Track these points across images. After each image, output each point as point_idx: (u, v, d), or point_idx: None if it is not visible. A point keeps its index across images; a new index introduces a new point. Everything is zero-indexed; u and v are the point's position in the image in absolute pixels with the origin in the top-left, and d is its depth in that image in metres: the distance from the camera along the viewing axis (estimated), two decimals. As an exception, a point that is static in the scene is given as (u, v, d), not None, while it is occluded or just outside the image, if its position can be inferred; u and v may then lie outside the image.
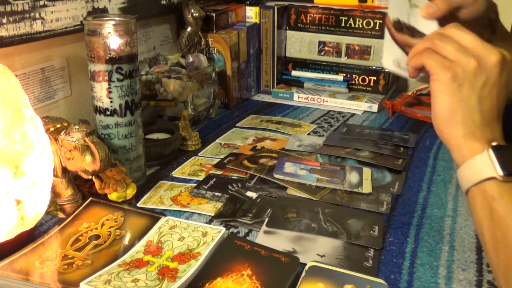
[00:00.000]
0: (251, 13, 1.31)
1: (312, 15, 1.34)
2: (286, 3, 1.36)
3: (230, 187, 0.82)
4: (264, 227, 0.71)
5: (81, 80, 0.95)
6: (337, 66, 1.35)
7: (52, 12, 0.83)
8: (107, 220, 0.70)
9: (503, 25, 0.75)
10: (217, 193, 0.80)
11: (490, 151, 0.51)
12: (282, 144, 1.00)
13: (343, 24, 1.31)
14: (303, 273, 0.58)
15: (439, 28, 0.60)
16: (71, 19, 0.87)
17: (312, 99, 1.28)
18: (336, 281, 0.57)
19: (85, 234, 0.67)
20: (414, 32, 0.63)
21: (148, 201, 0.79)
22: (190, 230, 0.68)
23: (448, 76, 0.54)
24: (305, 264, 0.60)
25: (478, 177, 0.52)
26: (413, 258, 0.65)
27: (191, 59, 1.11)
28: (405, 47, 0.65)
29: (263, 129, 1.10)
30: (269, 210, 0.75)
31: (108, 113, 0.77)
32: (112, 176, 0.75)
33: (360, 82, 1.33)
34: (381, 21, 1.26)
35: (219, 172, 0.88)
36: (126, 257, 0.62)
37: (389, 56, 0.65)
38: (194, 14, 1.12)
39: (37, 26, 0.81)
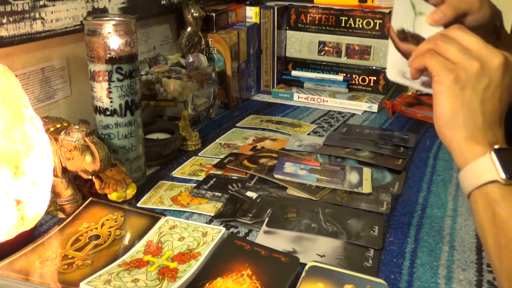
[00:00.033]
0: (251, 13, 1.31)
1: (312, 15, 1.34)
2: (286, 3, 1.36)
3: (230, 187, 0.82)
4: (264, 227, 0.71)
5: (81, 80, 0.95)
6: (337, 66, 1.35)
7: (52, 12, 0.83)
8: (107, 220, 0.70)
9: (507, 32, 0.75)
10: (217, 193, 0.80)
11: (493, 154, 0.51)
12: (282, 144, 1.00)
13: (343, 24, 1.31)
14: (303, 273, 0.58)
15: None
16: (71, 19, 0.87)
17: (312, 99, 1.28)
18: (336, 281, 0.57)
19: (85, 234, 0.67)
20: (419, 41, 0.62)
21: (148, 201, 0.79)
22: (190, 230, 0.68)
23: (450, 78, 0.53)
24: (305, 264, 0.60)
25: (480, 181, 0.51)
26: (413, 258, 0.65)
27: (191, 59, 1.11)
28: (410, 57, 0.64)
29: (263, 129, 1.10)
30: (269, 210, 0.75)
31: (108, 113, 0.77)
32: (112, 176, 0.75)
33: (360, 82, 1.33)
34: (381, 21, 1.26)
35: (219, 172, 0.88)
36: (126, 257, 0.62)
37: (394, 68, 0.65)
38: (194, 14, 1.12)
39: (37, 26, 0.81)
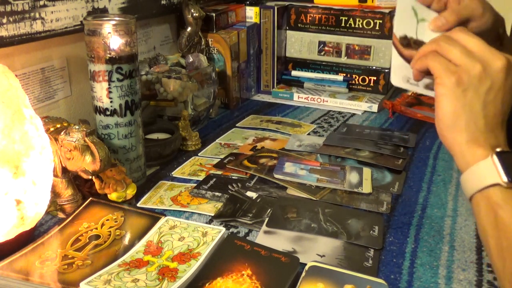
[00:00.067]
0: (251, 13, 1.31)
1: (312, 15, 1.34)
2: (286, 3, 1.36)
3: (230, 187, 0.82)
4: (264, 227, 0.71)
5: (81, 80, 0.95)
6: (337, 66, 1.34)
7: (52, 12, 0.83)
8: (107, 220, 0.70)
9: (510, 39, 0.75)
10: (217, 193, 0.80)
11: (494, 157, 0.50)
12: (282, 144, 1.00)
13: (343, 24, 1.31)
14: (303, 273, 0.58)
15: None
16: (71, 19, 0.87)
17: (312, 99, 1.28)
18: (336, 281, 0.57)
19: (85, 234, 0.67)
20: None
21: (148, 201, 0.79)
22: (190, 230, 0.68)
23: (452, 81, 0.53)
24: (305, 264, 0.60)
25: (482, 184, 0.51)
26: (413, 258, 0.65)
27: (191, 59, 1.11)
28: None
29: (263, 129, 1.10)
30: (269, 210, 0.75)
31: (108, 113, 0.77)
32: (112, 176, 0.75)
33: (360, 82, 1.33)
34: (381, 21, 1.26)
35: (219, 172, 0.88)
36: (126, 257, 0.62)
37: (398, 74, 0.65)
38: (194, 14, 1.12)
39: (37, 26, 0.81)
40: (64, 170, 0.72)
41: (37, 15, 0.81)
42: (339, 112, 1.22)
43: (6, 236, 0.60)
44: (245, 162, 0.90)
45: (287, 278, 0.57)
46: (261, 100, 1.33)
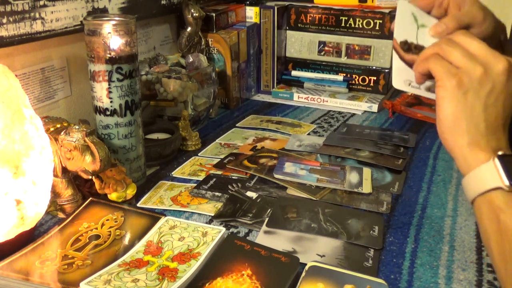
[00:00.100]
0: (251, 13, 1.31)
1: (312, 15, 1.34)
2: (286, 3, 1.36)
3: (230, 187, 0.82)
4: (264, 227, 0.71)
5: (81, 80, 0.95)
6: (337, 66, 1.34)
7: (52, 12, 0.83)
8: (107, 220, 0.70)
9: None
10: (217, 193, 0.80)
11: (496, 160, 0.50)
12: (282, 144, 1.00)
13: (343, 24, 1.31)
14: (303, 273, 0.58)
15: None
16: (71, 19, 0.87)
17: (312, 99, 1.28)
18: (336, 281, 0.57)
19: (85, 234, 0.67)
20: None
21: (148, 201, 0.79)
22: (190, 230, 0.68)
23: (453, 83, 0.53)
24: (305, 264, 0.60)
25: (484, 187, 0.51)
26: (413, 258, 0.65)
27: (191, 59, 1.11)
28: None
29: (263, 129, 1.10)
30: (269, 210, 0.75)
31: (108, 113, 0.77)
32: (112, 176, 0.75)
33: (360, 82, 1.33)
34: (381, 21, 1.26)
35: (219, 172, 0.88)
36: (126, 257, 0.62)
37: (400, 77, 0.65)
38: (194, 14, 1.12)
39: (37, 26, 0.81)
40: (64, 170, 0.72)
41: (37, 15, 0.81)
42: (339, 112, 1.22)
43: (6, 236, 0.60)
44: (245, 162, 0.90)
45: (287, 278, 0.57)
46: (261, 100, 1.33)
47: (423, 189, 0.83)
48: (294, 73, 1.38)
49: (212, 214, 0.74)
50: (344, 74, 1.34)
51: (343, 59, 1.33)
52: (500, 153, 0.51)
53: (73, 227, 0.68)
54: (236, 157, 0.93)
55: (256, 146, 0.99)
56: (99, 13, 0.92)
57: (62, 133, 0.70)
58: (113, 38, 0.73)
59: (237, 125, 1.13)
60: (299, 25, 1.36)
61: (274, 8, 1.29)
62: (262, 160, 0.91)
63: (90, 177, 0.73)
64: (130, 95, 0.77)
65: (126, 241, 0.67)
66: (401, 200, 0.80)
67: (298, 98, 1.30)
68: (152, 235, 0.67)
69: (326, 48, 1.35)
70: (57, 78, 0.90)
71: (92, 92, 0.77)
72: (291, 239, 0.68)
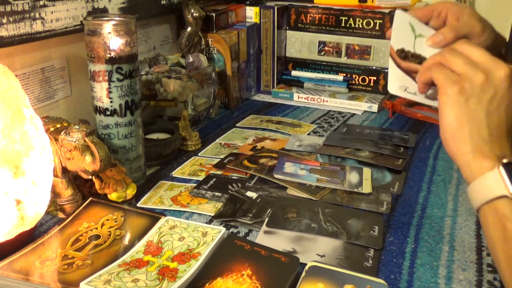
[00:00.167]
0: (251, 13, 1.31)
1: (312, 15, 1.34)
2: (286, 3, 1.36)
3: (230, 187, 0.82)
4: (264, 227, 0.71)
5: (81, 80, 0.95)
6: (337, 66, 1.35)
7: (52, 12, 0.83)
8: (107, 220, 0.70)
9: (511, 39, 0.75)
10: (217, 193, 0.80)
11: (501, 168, 0.50)
12: (282, 144, 1.00)
13: (343, 24, 1.31)
14: (303, 273, 0.58)
15: None
16: (71, 19, 0.87)
17: (312, 99, 1.28)
18: (336, 281, 0.57)
19: (85, 234, 0.67)
20: (421, 60, 0.63)
21: (148, 201, 0.79)
22: (190, 230, 0.68)
23: (455, 90, 0.53)
24: (305, 264, 0.60)
25: (489, 196, 0.51)
26: (413, 258, 0.65)
27: (191, 59, 1.11)
28: (411, 74, 0.64)
29: (263, 129, 1.10)
30: (269, 210, 0.75)
31: (108, 113, 0.77)
32: (112, 176, 0.75)
33: (360, 82, 1.33)
34: (381, 21, 1.26)
35: (219, 172, 0.88)
36: (126, 257, 0.62)
37: (395, 83, 0.65)
38: (194, 14, 1.12)
39: (37, 26, 0.81)
40: (64, 170, 0.72)
41: (37, 15, 0.81)
42: (339, 112, 1.22)
43: (6, 236, 0.60)
44: (245, 162, 0.90)
45: (287, 278, 0.57)
46: (261, 100, 1.33)
47: (423, 189, 0.83)
48: (294, 73, 1.38)
49: (212, 214, 0.74)
50: (344, 74, 1.34)
51: (343, 59, 1.34)
52: (505, 161, 0.51)
53: (73, 227, 0.68)
54: (236, 157, 0.93)
55: (256, 146, 0.99)
56: (99, 13, 0.92)
57: (62, 133, 0.70)
58: (113, 38, 0.73)
59: (237, 125, 1.13)
60: (299, 25, 1.36)
61: (274, 8, 1.29)
62: (262, 160, 0.91)
63: (90, 177, 0.73)
64: (130, 95, 0.77)
65: (126, 241, 0.67)
66: (401, 200, 0.80)
67: (298, 98, 1.30)
68: (152, 235, 0.67)
69: (326, 48, 1.35)
70: (57, 78, 0.90)
71: (92, 92, 0.77)
72: (291, 239, 0.68)
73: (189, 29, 1.14)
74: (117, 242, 0.66)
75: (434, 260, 0.64)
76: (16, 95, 0.60)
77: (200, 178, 0.85)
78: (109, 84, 0.75)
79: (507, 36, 0.77)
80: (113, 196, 0.75)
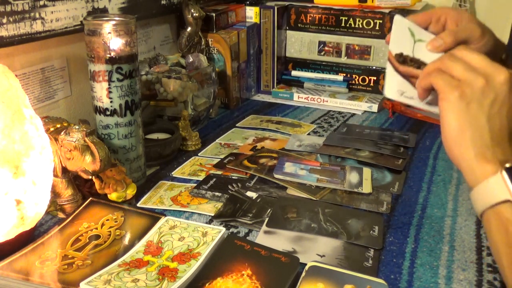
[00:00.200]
0: (251, 13, 1.31)
1: (312, 15, 1.34)
2: (286, 3, 1.36)
3: (230, 187, 0.82)
4: (264, 227, 0.71)
5: (81, 80, 0.95)
6: (337, 66, 1.35)
7: (52, 12, 0.83)
8: (107, 220, 0.70)
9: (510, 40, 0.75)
10: (217, 193, 0.80)
11: (504, 173, 0.50)
12: (282, 144, 1.00)
13: (343, 24, 1.31)
14: (303, 273, 0.58)
15: None
16: (71, 19, 0.87)
17: (312, 99, 1.28)
18: (336, 281, 0.57)
19: (85, 234, 0.67)
20: (420, 65, 0.63)
21: (148, 201, 0.79)
22: (190, 230, 0.68)
23: (455, 95, 0.53)
24: (305, 264, 0.60)
25: (493, 200, 0.51)
26: (413, 258, 0.65)
27: (191, 59, 1.11)
28: (410, 78, 0.64)
29: (263, 129, 1.10)
30: (269, 210, 0.75)
31: (108, 113, 0.77)
32: (112, 176, 0.75)
33: (360, 82, 1.33)
34: (381, 21, 1.26)
35: (219, 172, 0.88)
36: (126, 257, 0.62)
37: (393, 88, 0.65)
38: (194, 14, 1.12)
39: (37, 26, 0.81)
40: (64, 170, 0.72)
41: (37, 15, 0.81)
42: (339, 112, 1.22)
43: (6, 236, 0.60)
44: (245, 162, 0.90)
45: (287, 278, 0.57)
46: (261, 100, 1.33)
47: (423, 189, 0.83)
48: (294, 73, 1.38)
49: (212, 214, 0.74)
50: (344, 74, 1.34)
51: (343, 59, 1.34)
52: (507, 165, 0.51)
53: (73, 227, 0.68)
54: (236, 157, 0.93)
55: (256, 146, 0.99)
56: (99, 13, 0.92)
57: (62, 133, 0.70)
58: (113, 38, 0.73)
59: (237, 125, 1.13)
60: (299, 25, 1.36)
61: (274, 8, 1.29)
62: (262, 160, 0.91)
63: (90, 177, 0.73)
64: (130, 95, 0.77)
65: (126, 241, 0.67)
66: (401, 200, 0.80)
67: (298, 98, 1.30)
68: (152, 235, 0.67)
69: (326, 48, 1.35)
70: (57, 78, 0.90)
71: (92, 92, 0.77)
72: (291, 239, 0.68)
73: (189, 29, 1.14)
74: (117, 242, 0.66)
75: (434, 260, 0.64)
76: (16, 95, 0.60)
77: (200, 178, 0.85)
78: (109, 84, 0.75)
79: (506, 40, 0.77)
80: (113, 196, 0.75)
